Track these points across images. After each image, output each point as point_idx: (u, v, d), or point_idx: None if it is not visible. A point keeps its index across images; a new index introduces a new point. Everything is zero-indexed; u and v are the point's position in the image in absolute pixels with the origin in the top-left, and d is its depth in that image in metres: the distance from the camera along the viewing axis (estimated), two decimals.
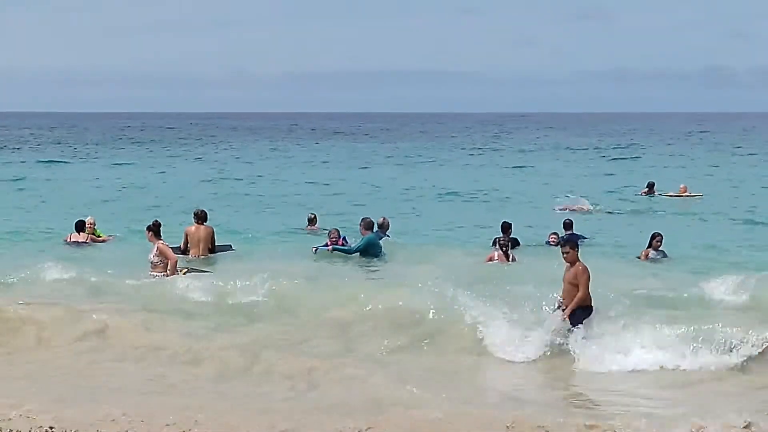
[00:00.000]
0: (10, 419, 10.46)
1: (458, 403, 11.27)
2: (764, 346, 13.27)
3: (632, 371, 13.02)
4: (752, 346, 13.24)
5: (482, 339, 13.97)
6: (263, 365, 13.08)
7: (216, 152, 73.51)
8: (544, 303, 14.22)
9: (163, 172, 50.94)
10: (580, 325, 13.75)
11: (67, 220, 24.34)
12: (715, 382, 12.66)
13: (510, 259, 19.96)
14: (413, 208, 33.20)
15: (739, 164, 56.94)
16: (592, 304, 14.03)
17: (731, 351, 13.14)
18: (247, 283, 16.37)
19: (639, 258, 20.67)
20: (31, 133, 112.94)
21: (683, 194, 35.70)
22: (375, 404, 11.13)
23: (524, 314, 14.12)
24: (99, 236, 23.27)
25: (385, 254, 20.97)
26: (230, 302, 15.98)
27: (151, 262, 17.96)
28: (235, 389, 12.15)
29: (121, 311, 15.74)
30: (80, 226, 22.91)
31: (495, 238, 20.83)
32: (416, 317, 14.78)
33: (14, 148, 77.67)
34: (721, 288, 16.07)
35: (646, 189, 37.18)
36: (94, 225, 23.34)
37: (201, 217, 20.62)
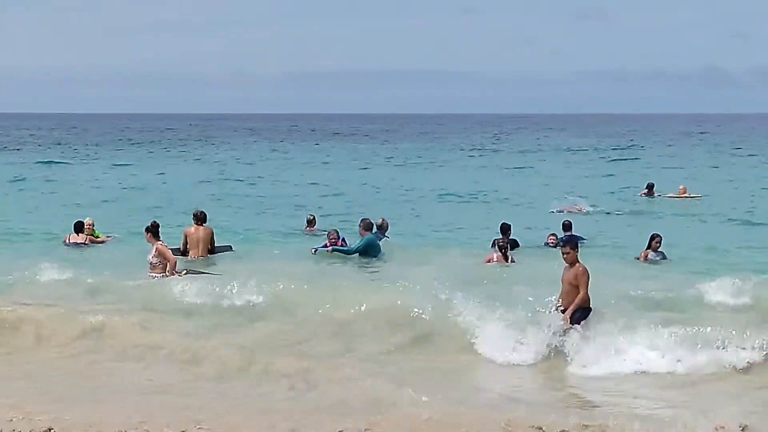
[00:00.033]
0: (9, 420, 10.48)
1: (455, 403, 11.30)
2: (762, 348, 13.28)
3: (629, 372, 13.02)
4: (750, 347, 13.24)
5: (480, 340, 13.99)
6: (263, 365, 13.10)
7: (216, 153, 73.52)
8: (542, 304, 14.25)
9: (163, 173, 50.92)
10: (578, 326, 13.79)
11: (67, 221, 24.34)
12: (712, 384, 12.66)
13: (509, 261, 19.95)
14: (412, 209, 33.21)
15: (738, 165, 56.92)
16: (591, 305, 14.08)
17: (729, 353, 13.14)
18: (247, 283, 16.38)
19: (638, 259, 20.66)
20: (31, 134, 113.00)
21: (683, 195, 35.68)
22: (374, 404, 11.15)
23: (522, 315, 14.14)
24: (98, 237, 23.28)
25: (384, 255, 20.99)
26: (230, 303, 15.99)
27: (151, 263, 17.98)
28: (234, 389, 12.18)
29: (121, 312, 15.78)
30: (79, 227, 22.93)
31: (494, 240, 20.84)
32: (415, 318, 14.81)
33: (14, 149, 77.71)
34: (720, 290, 16.05)
35: (646, 190, 37.15)
36: (93, 226, 23.35)
37: (200, 218, 20.64)
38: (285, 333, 14.91)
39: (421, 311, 14.85)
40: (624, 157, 66.48)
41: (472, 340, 14.03)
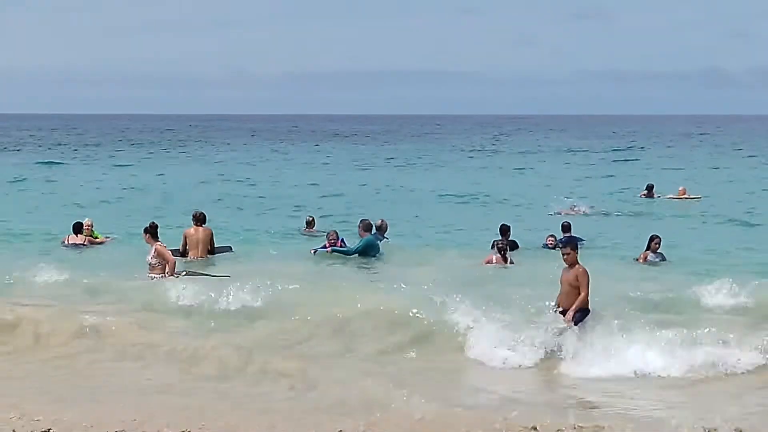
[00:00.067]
0: (9, 420, 10.48)
1: (452, 404, 11.34)
2: (761, 349, 13.28)
3: (628, 373, 13.02)
4: (749, 349, 13.25)
5: (477, 341, 14.00)
6: (262, 365, 13.11)
7: (216, 154, 73.54)
8: (539, 306, 14.26)
9: (163, 174, 50.94)
10: (576, 327, 13.79)
11: (66, 221, 24.34)
12: (710, 385, 12.67)
13: (507, 262, 19.95)
14: (412, 210, 33.19)
15: (738, 166, 56.90)
16: (589, 306, 14.10)
17: (728, 354, 13.14)
18: (246, 284, 16.37)
19: (637, 260, 20.65)
20: (31, 135, 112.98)
21: (682, 196, 35.66)
22: (373, 404, 11.17)
23: (520, 317, 14.17)
24: (96, 238, 23.28)
25: (383, 255, 21.02)
26: (229, 303, 15.99)
27: (150, 264, 17.98)
28: (234, 389, 12.19)
29: (120, 312, 15.81)
30: (78, 228, 22.92)
31: (494, 241, 20.83)
32: (414, 318, 14.82)
33: (14, 150, 77.72)
34: (719, 291, 16.03)
35: (646, 191, 37.10)
36: (92, 227, 23.35)
37: (199, 219, 20.65)
38: (284, 333, 14.93)
39: (419, 312, 14.86)
40: (624, 158, 66.48)
41: (470, 341, 14.05)
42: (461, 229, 27.65)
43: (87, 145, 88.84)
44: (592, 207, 32.02)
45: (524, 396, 12.23)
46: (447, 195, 38.94)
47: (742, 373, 12.98)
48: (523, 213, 31.91)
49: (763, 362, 13.14)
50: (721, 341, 13.32)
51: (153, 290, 16.92)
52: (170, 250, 18.61)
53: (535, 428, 10.17)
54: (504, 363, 13.53)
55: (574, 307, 13.92)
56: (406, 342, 14.34)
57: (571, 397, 12.20)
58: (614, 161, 63.85)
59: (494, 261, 19.91)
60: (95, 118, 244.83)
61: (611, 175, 50.84)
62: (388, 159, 66.14)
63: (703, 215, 31.27)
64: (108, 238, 23.75)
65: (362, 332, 14.78)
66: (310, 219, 25.50)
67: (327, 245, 21.20)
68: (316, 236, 23.95)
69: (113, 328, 14.86)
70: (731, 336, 13.43)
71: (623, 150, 78.10)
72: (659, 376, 12.93)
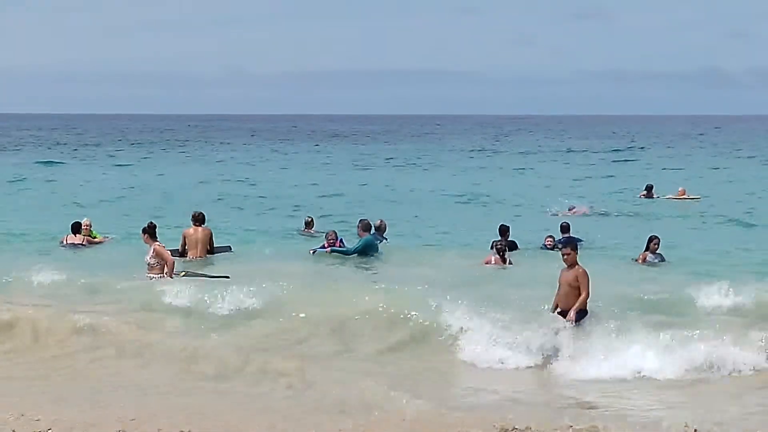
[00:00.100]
0: (8, 420, 10.50)
1: (449, 404, 11.38)
2: (760, 350, 13.27)
3: (626, 374, 13.02)
4: (748, 350, 13.25)
5: (475, 342, 14.01)
6: (262, 365, 13.13)
7: (216, 153, 73.55)
8: (537, 306, 14.27)
9: (162, 174, 50.95)
10: (575, 327, 13.79)
11: (66, 221, 24.32)
12: (709, 386, 12.69)
13: (506, 263, 19.94)
14: (412, 210, 33.18)
15: (738, 166, 56.93)
16: (587, 307, 14.09)
17: (726, 355, 13.15)
18: (246, 284, 16.39)
19: (636, 261, 20.63)
20: (31, 134, 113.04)
21: (682, 197, 35.66)
22: (371, 404, 11.21)
23: (518, 317, 14.17)
24: (95, 238, 23.26)
25: (382, 255, 21.02)
26: (228, 303, 15.97)
27: (148, 264, 17.95)
28: (233, 389, 12.22)
29: (119, 312, 15.81)
30: (76, 228, 22.89)
31: (493, 242, 20.81)
32: (412, 319, 14.84)
33: (14, 149, 77.73)
34: (718, 291, 15.98)
35: (645, 191, 37.08)
36: (90, 226, 23.33)
37: (199, 219, 20.63)
38: (283, 333, 14.94)
39: (418, 312, 14.88)
40: (623, 159, 66.51)
41: (468, 342, 14.06)
42: (461, 229, 27.63)
43: (87, 144, 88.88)
44: (591, 207, 32.02)
45: (522, 396, 12.26)
46: (447, 195, 38.94)
47: (741, 373, 12.98)
48: (523, 213, 31.90)
49: (762, 363, 13.15)
50: (720, 342, 13.32)
51: (152, 290, 16.90)
52: (169, 250, 18.60)
53: (529, 428, 10.19)
54: (502, 363, 13.55)
55: (575, 307, 13.92)
56: (404, 342, 14.38)
57: (569, 398, 12.20)
58: (614, 161, 63.88)
59: (493, 262, 19.90)
60: (95, 118, 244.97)
61: (611, 176, 50.85)
62: (388, 159, 66.15)
63: (702, 215, 31.26)
64: (107, 237, 23.73)
65: (361, 332, 14.80)
66: (309, 220, 25.49)
67: (326, 245, 21.20)
68: (314, 237, 23.94)
69: (112, 328, 14.86)
70: (730, 336, 13.43)
71: (623, 150, 78.12)
72: (658, 376, 12.93)
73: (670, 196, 35.99)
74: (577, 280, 14.00)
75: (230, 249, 21.61)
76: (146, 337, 14.48)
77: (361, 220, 21.64)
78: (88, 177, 48.44)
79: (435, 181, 45.98)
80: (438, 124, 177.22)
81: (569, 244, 14.58)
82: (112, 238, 23.85)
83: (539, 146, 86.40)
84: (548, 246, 21.88)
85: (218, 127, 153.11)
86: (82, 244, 22.65)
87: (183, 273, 18.11)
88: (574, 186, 43.39)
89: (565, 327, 13.79)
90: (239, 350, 13.75)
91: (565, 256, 14.21)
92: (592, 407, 11.68)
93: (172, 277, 17.64)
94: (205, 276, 18.03)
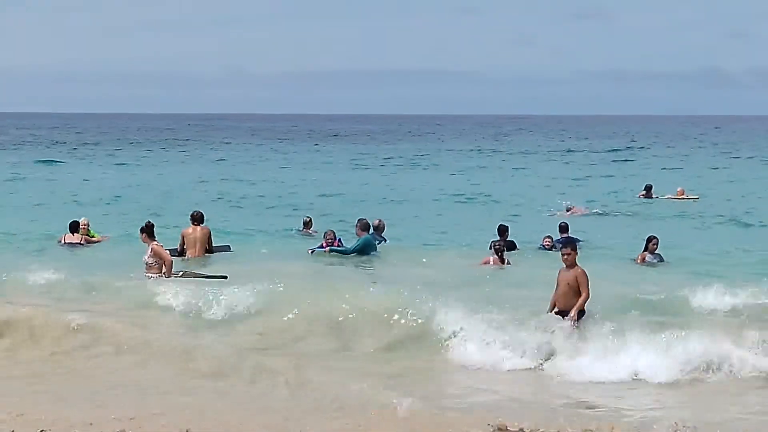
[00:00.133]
0: (7, 419, 10.50)
1: (447, 404, 11.41)
2: (758, 351, 13.26)
3: (623, 375, 12.98)
4: (746, 350, 13.23)
5: (473, 342, 14.00)
6: (260, 364, 13.13)
7: (215, 153, 73.56)
8: (534, 307, 14.27)
9: (162, 174, 50.95)
10: (574, 328, 13.78)
11: (65, 220, 24.32)
12: (708, 387, 12.68)
13: (505, 263, 19.92)
14: (411, 210, 33.19)
15: (737, 167, 56.95)
16: (585, 308, 14.08)
17: (725, 355, 13.13)
18: (244, 283, 16.39)
19: (635, 261, 20.63)
20: (31, 134, 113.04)
21: (681, 197, 35.66)
22: (368, 403, 11.22)
23: (515, 318, 14.17)
24: (93, 237, 23.26)
25: (380, 254, 21.04)
26: (226, 302, 15.98)
27: (146, 263, 17.96)
28: (232, 388, 12.23)
29: (117, 311, 15.83)
30: (74, 227, 22.88)
31: (492, 242, 20.81)
32: (410, 318, 14.83)
33: (14, 148, 77.75)
34: (717, 292, 15.93)
35: (644, 191, 37.07)
36: (88, 226, 23.32)
37: (197, 219, 20.63)
38: (281, 332, 14.96)
39: (415, 312, 14.87)
40: (623, 158, 66.52)
41: (466, 342, 14.04)
42: (459, 230, 27.63)
43: (86, 143, 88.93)
44: (589, 207, 32.02)
45: (518, 396, 12.27)
46: (446, 195, 38.94)
47: (740, 373, 12.96)
48: (523, 213, 31.90)
49: (761, 363, 13.12)
50: (718, 342, 13.30)
51: (150, 289, 16.90)
52: (168, 250, 18.59)
53: (521, 429, 10.19)
54: (498, 363, 13.53)
55: (576, 307, 13.90)
56: (401, 341, 14.38)
57: (567, 398, 12.19)
58: (613, 161, 63.91)
59: (491, 262, 19.89)
60: (94, 117, 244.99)
61: (610, 176, 50.87)
62: (388, 159, 66.16)
63: (701, 215, 31.26)
64: (105, 237, 23.73)
65: (359, 331, 14.81)
66: (307, 219, 25.50)
67: (324, 245, 21.20)
68: (313, 236, 23.94)
69: (110, 327, 14.84)
70: (729, 337, 13.41)
71: (622, 150, 78.14)
72: (656, 377, 12.90)
73: (669, 196, 35.99)
74: (577, 281, 13.98)
75: (229, 248, 21.60)
76: (144, 336, 14.49)
77: (359, 220, 21.64)
78: (87, 176, 48.45)
79: (434, 180, 46.00)
80: (438, 124, 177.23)
81: (569, 244, 14.59)
82: (110, 237, 23.85)
83: (539, 146, 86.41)
84: (546, 246, 21.87)
85: (218, 127, 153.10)
86: (80, 243, 22.66)
87: (181, 272, 18.11)
88: (574, 186, 43.40)
89: (563, 327, 13.78)
90: (237, 349, 13.77)
91: (565, 256, 14.19)
92: (587, 407, 11.68)
93: (170, 277, 17.63)
94: (203, 276, 18.01)
